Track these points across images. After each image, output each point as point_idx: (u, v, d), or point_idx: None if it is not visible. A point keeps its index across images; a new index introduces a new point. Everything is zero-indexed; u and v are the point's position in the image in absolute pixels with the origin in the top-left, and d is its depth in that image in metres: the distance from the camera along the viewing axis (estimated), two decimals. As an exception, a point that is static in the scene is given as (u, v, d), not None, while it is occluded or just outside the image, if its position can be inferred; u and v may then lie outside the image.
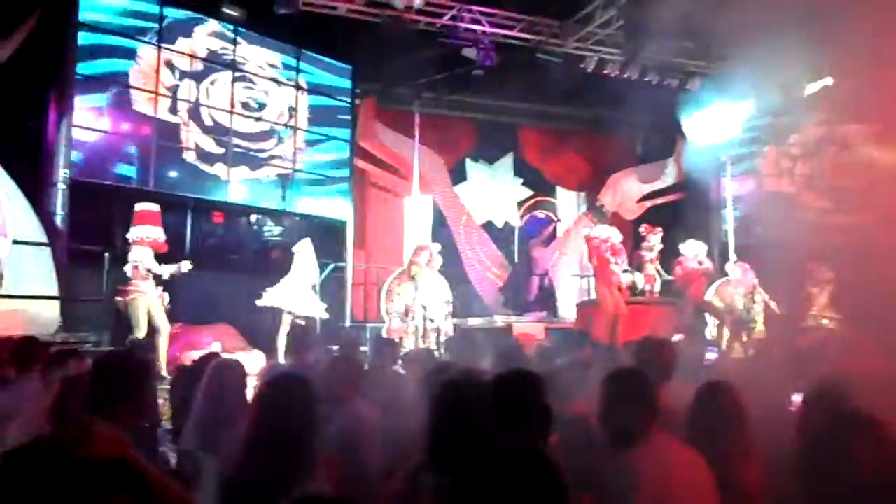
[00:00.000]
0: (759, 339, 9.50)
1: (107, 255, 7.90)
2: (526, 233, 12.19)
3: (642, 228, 10.98)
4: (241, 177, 9.73)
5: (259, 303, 8.36)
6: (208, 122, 9.39)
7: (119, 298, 7.32)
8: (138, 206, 7.56)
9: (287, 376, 2.62)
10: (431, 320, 8.96)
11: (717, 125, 12.02)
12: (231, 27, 9.60)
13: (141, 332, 7.22)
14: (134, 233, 7.42)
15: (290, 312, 8.37)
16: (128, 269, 7.30)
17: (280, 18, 9.35)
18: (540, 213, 12.72)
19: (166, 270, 7.42)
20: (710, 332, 10.19)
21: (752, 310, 9.79)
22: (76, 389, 2.66)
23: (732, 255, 11.00)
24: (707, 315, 10.22)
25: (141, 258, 7.31)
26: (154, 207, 7.63)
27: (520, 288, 12.24)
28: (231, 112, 9.58)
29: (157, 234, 7.47)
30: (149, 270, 7.28)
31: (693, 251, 10.36)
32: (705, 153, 12.07)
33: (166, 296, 7.52)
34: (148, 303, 7.29)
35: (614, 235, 9.88)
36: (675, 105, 11.65)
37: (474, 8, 10.26)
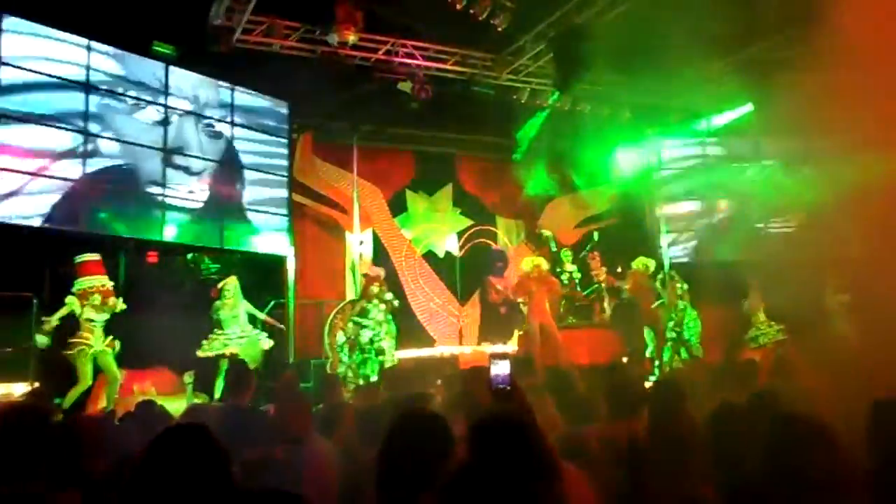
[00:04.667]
0: (697, 357, 9.80)
1: (35, 300, 7.67)
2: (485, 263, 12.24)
3: (584, 255, 11.32)
4: (177, 215, 9.55)
5: (200, 353, 8.32)
6: (142, 161, 9.20)
7: (66, 351, 7.29)
8: (79, 258, 7.56)
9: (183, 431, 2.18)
10: (378, 353, 8.92)
11: (649, 150, 12.44)
12: (162, 65, 9.46)
13: (86, 384, 7.21)
14: (79, 285, 7.41)
15: (230, 354, 8.33)
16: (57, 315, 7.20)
17: (213, 55, 9.31)
18: (494, 244, 12.82)
19: (100, 317, 7.44)
20: (651, 351, 10.40)
21: (688, 327, 10.12)
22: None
23: (669, 276, 11.31)
24: (647, 334, 10.46)
25: (82, 309, 7.35)
26: (95, 257, 7.63)
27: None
28: (164, 150, 9.41)
29: (103, 282, 7.59)
30: (89, 321, 7.30)
31: (644, 266, 10.68)
32: (638, 178, 12.44)
33: (117, 343, 7.52)
34: (94, 353, 7.30)
35: (541, 265, 10.15)
36: (606, 132, 11.99)
37: (408, 42, 10.41)
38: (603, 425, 3.45)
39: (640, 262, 10.71)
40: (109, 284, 7.65)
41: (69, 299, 7.49)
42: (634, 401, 3.53)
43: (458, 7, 8.98)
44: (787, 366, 5.44)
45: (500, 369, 2.56)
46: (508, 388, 2.55)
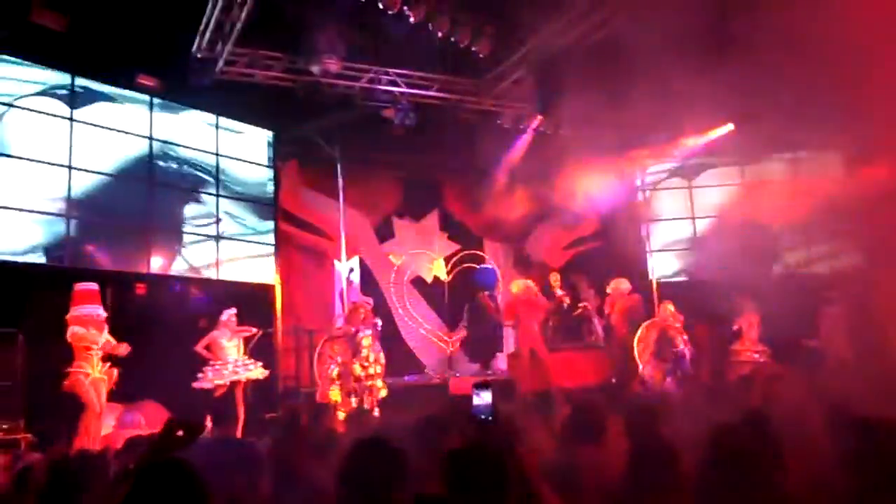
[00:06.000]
0: (691, 374, 9.81)
1: (20, 335, 7.58)
2: (478, 284, 12.24)
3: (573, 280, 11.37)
4: (164, 246, 9.51)
5: (197, 385, 8.29)
6: (127, 193, 9.18)
7: (65, 381, 7.21)
8: (78, 286, 7.53)
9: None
10: (367, 381, 8.86)
11: (634, 172, 12.53)
12: (146, 97, 9.48)
13: (93, 411, 7.13)
14: (73, 312, 7.35)
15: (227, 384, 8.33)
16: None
17: (196, 87, 9.34)
18: (488, 265, 12.82)
19: (107, 346, 7.40)
20: (643, 370, 10.39)
21: (679, 347, 10.11)
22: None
23: (657, 296, 11.36)
24: (637, 354, 10.45)
25: (81, 337, 7.26)
26: (92, 286, 7.61)
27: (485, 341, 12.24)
28: (149, 180, 9.39)
29: (97, 311, 7.48)
30: (88, 349, 7.25)
31: (619, 288, 10.72)
32: (623, 199, 12.51)
33: (114, 372, 7.46)
34: (91, 381, 7.22)
35: (528, 288, 10.14)
36: (590, 154, 12.06)
37: (391, 70, 10.48)
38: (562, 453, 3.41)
39: (614, 285, 10.82)
40: (104, 316, 7.62)
41: (75, 329, 7.39)
42: (596, 426, 3.47)
43: (440, 35, 9.07)
44: (779, 384, 5.45)
45: (483, 399, 2.54)
46: (490, 417, 2.53)
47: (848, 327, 9.67)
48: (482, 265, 12.51)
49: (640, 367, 10.40)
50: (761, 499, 2.16)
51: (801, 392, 4.76)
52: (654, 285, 12.20)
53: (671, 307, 10.36)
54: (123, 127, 9.22)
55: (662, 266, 12.90)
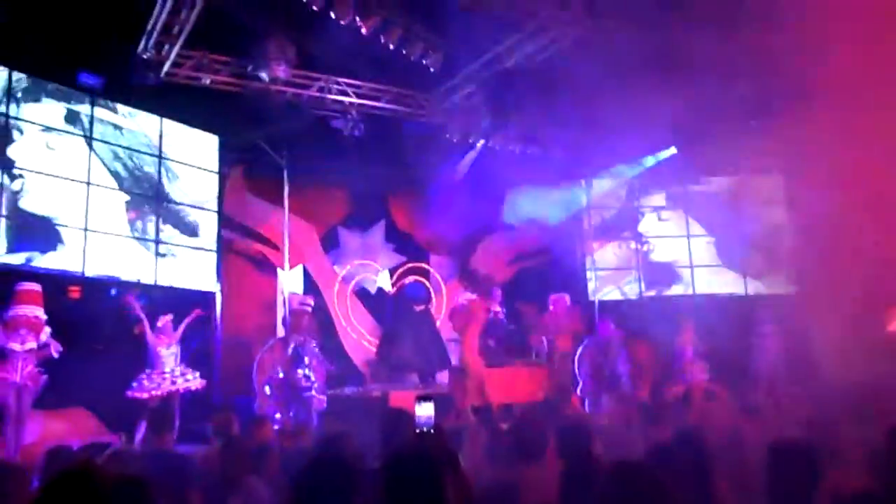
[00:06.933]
0: (629, 393, 9.97)
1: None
2: (408, 297, 12.21)
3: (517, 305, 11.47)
4: (101, 249, 9.23)
5: (132, 394, 8.04)
6: (64, 194, 8.88)
7: None
8: (19, 286, 7.35)
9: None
10: (307, 391, 8.74)
11: (580, 190, 12.74)
12: (87, 96, 9.21)
13: (10, 419, 6.92)
14: (13, 312, 7.18)
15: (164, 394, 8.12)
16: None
17: (140, 87, 9.13)
18: (418, 279, 12.81)
19: (23, 348, 7.15)
20: (582, 388, 10.52)
21: (617, 365, 10.28)
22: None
23: (598, 314, 11.54)
24: (577, 371, 10.59)
25: (15, 339, 7.09)
26: (34, 287, 7.40)
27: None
28: (88, 183, 9.12)
29: (33, 313, 7.29)
30: (12, 351, 7.03)
31: (559, 304, 10.86)
32: (568, 217, 12.69)
33: (43, 378, 7.20)
34: (13, 386, 6.97)
35: (471, 302, 10.19)
36: (537, 171, 12.21)
37: (341, 80, 10.44)
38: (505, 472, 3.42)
39: (555, 301, 10.97)
40: (43, 318, 7.38)
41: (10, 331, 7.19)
42: (536, 443, 3.48)
43: (391, 47, 9.08)
44: (715, 402, 5.58)
45: (425, 411, 2.56)
46: (432, 429, 2.54)
47: (782, 349, 9.97)
48: (412, 280, 12.54)
49: (580, 384, 10.53)
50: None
51: (735, 412, 4.89)
52: (596, 303, 12.37)
53: (612, 325, 10.54)
54: (63, 126, 8.94)
55: (605, 285, 13.09)
